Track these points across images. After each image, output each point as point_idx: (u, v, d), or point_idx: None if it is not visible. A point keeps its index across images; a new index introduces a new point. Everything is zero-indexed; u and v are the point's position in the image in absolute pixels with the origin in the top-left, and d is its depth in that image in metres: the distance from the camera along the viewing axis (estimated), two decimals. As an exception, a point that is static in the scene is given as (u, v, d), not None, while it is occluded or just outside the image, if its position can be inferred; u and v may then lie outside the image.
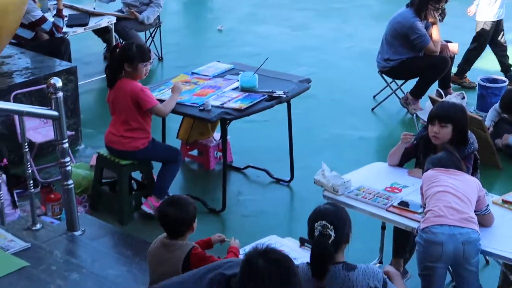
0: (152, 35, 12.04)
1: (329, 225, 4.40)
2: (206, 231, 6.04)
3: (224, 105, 7.37)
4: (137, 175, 7.74)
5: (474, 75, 10.10)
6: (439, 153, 5.84)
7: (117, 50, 7.26)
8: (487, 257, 6.41)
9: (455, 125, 5.99)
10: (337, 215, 4.52)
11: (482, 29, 10.49)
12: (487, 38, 10.54)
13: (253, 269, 3.66)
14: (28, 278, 5.28)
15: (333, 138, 9.25)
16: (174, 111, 7.39)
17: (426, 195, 5.50)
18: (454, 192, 5.40)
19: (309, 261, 4.51)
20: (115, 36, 11.44)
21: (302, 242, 5.84)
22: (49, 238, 6.05)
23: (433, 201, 5.40)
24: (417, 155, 6.45)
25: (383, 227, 6.46)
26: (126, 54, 7.15)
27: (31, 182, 6.19)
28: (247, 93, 7.59)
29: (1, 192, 6.12)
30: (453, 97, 9.14)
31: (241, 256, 5.48)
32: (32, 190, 6.19)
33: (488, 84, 9.56)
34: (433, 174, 5.56)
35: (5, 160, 6.82)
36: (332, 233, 4.41)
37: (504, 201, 6.00)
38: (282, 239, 6.07)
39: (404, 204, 5.91)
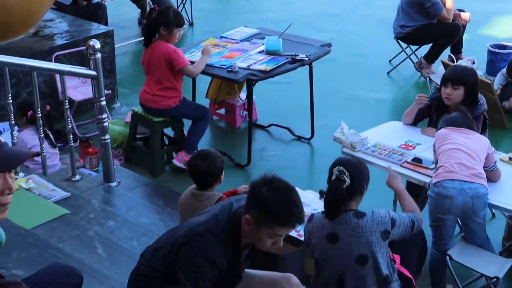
0: (183, 1, 11.98)
1: (346, 172, 4.42)
2: (232, 183, 6.03)
3: (250, 67, 7.34)
4: (168, 131, 7.74)
5: (484, 42, 9.98)
6: (452, 113, 5.80)
7: (154, 14, 7.25)
8: (493, 210, 6.37)
9: (466, 87, 5.94)
10: (356, 167, 4.52)
11: None
12: None
13: (257, 196, 3.61)
14: (69, 224, 5.32)
15: (351, 99, 9.19)
16: (203, 72, 7.37)
17: (439, 152, 5.47)
18: (465, 150, 5.37)
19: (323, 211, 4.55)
20: (148, 2, 11.41)
21: (322, 194, 5.83)
22: (87, 188, 6.08)
23: (445, 158, 5.38)
24: (430, 115, 6.41)
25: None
26: (163, 18, 7.14)
27: (71, 136, 6.21)
28: (271, 56, 7.56)
29: (43, 146, 6.14)
30: (464, 62, 9.08)
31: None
32: (72, 144, 6.22)
33: (497, 50, 9.45)
34: (446, 133, 5.53)
35: (29, 114, 6.81)
36: (348, 180, 4.42)
37: (511, 158, 5.96)
38: (303, 191, 6.05)
39: (417, 160, 5.89)
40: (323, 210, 4.55)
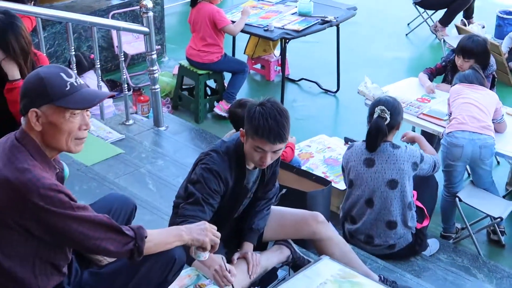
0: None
1: (387, 110, 4.52)
2: (267, 129, 5.99)
3: (285, 27, 7.28)
4: (211, 83, 7.71)
5: (494, 8, 9.78)
6: (466, 70, 5.71)
7: None
8: (498, 158, 6.30)
9: (476, 59, 5.84)
10: (394, 105, 4.61)
11: None
12: None
13: (249, 110, 3.51)
14: (123, 162, 5.33)
15: (373, 57, 9.09)
16: (242, 31, 7.33)
17: (452, 106, 5.41)
18: (476, 104, 5.30)
19: (364, 139, 4.66)
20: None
21: (346, 141, 5.81)
22: (139, 132, 6.09)
23: (458, 111, 5.32)
24: (445, 73, 6.33)
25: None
26: None
27: (125, 86, 6.21)
28: (303, 17, 7.49)
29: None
30: (475, 26, 8.94)
31: (296, 152, 5.47)
32: (126, 92, 6.21)
33: (505, 16, 9.27)
34: (460, 88, 5.46)
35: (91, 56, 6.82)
36: (388, 117, 4.53)
37: (516, 112, 5.90)
38: (329, 138, 6.03)
39: (432, 112, 5.82)
40: (364, 140, 4.67)
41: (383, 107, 4.52)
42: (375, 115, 4.55)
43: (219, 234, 2.85)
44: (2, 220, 2.51)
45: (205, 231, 2.81)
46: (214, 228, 2.85)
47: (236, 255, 3.77)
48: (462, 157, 5.23)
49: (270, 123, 3.43)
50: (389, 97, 4.74)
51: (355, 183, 4.69)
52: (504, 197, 5.75)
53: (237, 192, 3.66)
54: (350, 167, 4.70)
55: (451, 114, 5.41)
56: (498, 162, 6.47)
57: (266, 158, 3.51)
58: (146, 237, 2.64)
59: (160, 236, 2.73)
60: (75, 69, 6.01)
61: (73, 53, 5.97)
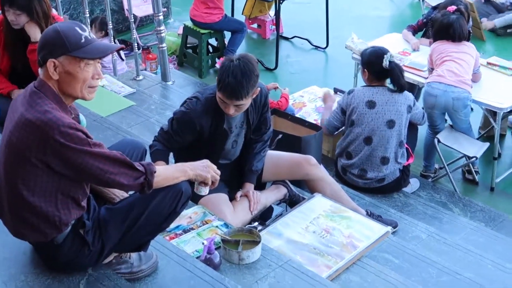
0: None
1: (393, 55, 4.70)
2: (263, 82, 5.95)
3: (278, -11, 7.18)
4: (212, 41, 7.62)
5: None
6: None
7: None
8: (472, 104, 6.25)
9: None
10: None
11: None
12: None
13: (222, 66, 3.44)
14: (135, 113, 5.29)
15: (359, 16, 8.99)
16: (240, -7, 7.24)
17: (435, 63, 5.34)
18: (456, 60, 5.25)
19: (363, 85, 4.77)
20: None
21: (335, 91, 5.76)
22: (149, 86, 6.03)
23: (439, 66, 5.27)
24: (426, 28, 6.26)
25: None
26: None
27: (135, 45, 6.13)
28: (295, -20, 7.39)
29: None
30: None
31: (290, 102, 5.43)
32: (136, 51, 6.14)
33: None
34: (442, 47, 5.35)
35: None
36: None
37: (489, 63, 5.82)
38: (320, 88, 5.98)
39: (412, 64, 5.77)
40: (363, 85, 4.78)
41: (390, 53, 4.64)
42: (387, 61, 4.59)
43: (219, 172, 2.85)
44: (27, 158, 2.51)
45: (207, 168, 2.82)
46: (215, 166, 2.85)
47: (239, 193, 3.78)
48: (436, 106, 5.20)
49: (230, 80, 3.35)
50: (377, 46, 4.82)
51: (356, 123, 4.69)
52: (477, 139, 5.71)
53: (217, 134, 3.61)
54: (352, 108, 4.70)
55: (432, 69, 5.35)
56: (472, 109, 6.41)
57: (229, 110, 3.46)
58: (155, 172, 2.65)
59: (167, 171, 2.74)
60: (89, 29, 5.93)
61: (87, 15, 5.89)
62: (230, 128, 3.66)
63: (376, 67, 4.64)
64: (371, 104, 4.65)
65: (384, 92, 4.66)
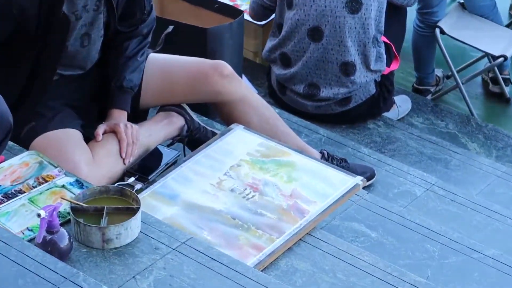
0: None
1: None
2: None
3: None
4: None
5: None
6: None
7: None
8: None
9: None
10: None
11: None
12: None
13: None
14: None
15: None
16: None
17: None
18: None
19: None
20: None
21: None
22: None
23: None
24: None
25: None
26: None
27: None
28: None
29: None
30: None
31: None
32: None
33: None
34: None
35: None
36: None
37: None
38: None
39: None
40: None
41: None
42: None
43: None
44: None
45: None
46: None
47: (101, 128, 2.80)
48: None
49: None
50: None
51: (295, 2, 3.49)
52: (508, 26, 4.47)
53: (52, 22, 2.69)
54: None
55: None
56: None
57: None
58: None
59: None
60: None
61: None
62: (75, 11, 2.71)
63: None
64: None
65: None
